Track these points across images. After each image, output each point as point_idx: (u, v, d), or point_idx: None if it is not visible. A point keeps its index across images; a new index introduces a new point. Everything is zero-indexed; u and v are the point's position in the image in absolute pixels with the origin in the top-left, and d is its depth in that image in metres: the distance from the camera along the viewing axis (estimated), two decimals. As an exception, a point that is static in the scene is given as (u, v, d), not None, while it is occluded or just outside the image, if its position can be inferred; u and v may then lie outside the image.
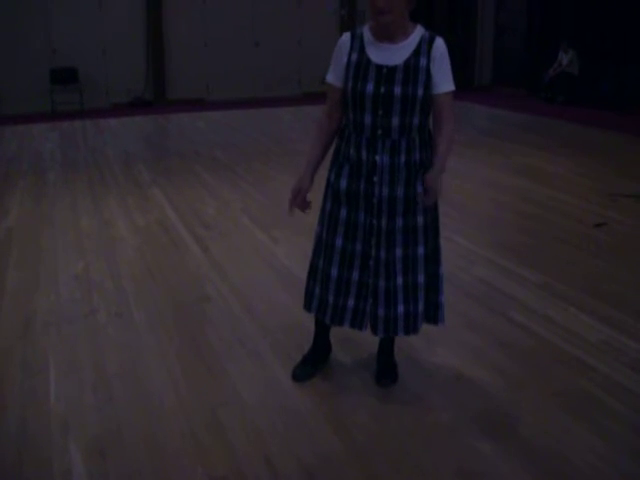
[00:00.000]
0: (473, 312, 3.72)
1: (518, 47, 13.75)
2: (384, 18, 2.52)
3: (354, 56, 2.63)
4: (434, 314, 2.88)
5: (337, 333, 3.24)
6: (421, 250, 2.74)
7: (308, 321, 3.54)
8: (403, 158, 2.63)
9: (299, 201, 2.83)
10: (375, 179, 2.65)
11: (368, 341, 3.10)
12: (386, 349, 3.06)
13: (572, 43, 11.81)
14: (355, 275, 2.75)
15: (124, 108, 12.20)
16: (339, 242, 2.74)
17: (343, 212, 2.72)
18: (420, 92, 2.57)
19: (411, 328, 2.83)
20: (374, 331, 2.84)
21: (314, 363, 3.10)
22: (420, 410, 2.83)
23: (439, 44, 2.60)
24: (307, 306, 2.95)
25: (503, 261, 4.46)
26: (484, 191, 6.17)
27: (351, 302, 2.78)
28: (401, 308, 2.77)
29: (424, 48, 2.58)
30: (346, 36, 2.70)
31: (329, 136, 2.80)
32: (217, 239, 4.99)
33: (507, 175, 6.90)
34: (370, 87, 2.57)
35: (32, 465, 2.50)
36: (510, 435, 2.65)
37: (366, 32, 2.65)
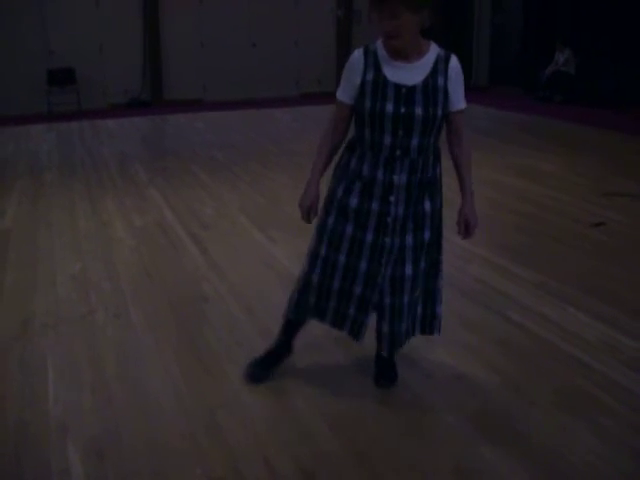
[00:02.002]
0: (470, 311, 3.72)
1: (515, 47, 13.76)
2: (393, 43, 2.47)
3: (369, 75, 2.55)
4: (430, 324, 2.90)
5: (335, 333, 3.25)
6: (423, 265, 2.75)
7: (307, 322, 3.55)
8: (418, 177, 2.63)
9: (312, 215, 2.79)
10: (392, 199, 2.61)
11: (366, 341, 3.10)
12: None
13: (568, 42, 11.82)
14: (358, 290, 2.73)
15: (121, 109, 12.19)
16: (342, 258, 2.70)
17: (349, 229, 2.68)
18: (440, 112, 2.56)
19: (408, 339, 2.92)
20: (380, 349, 2.91)
21: (273, 365, 3.08)
22: (418, 410, 2.83)
23: (455, 63, 2.58)
24: (292, 313, 2.93)
25: (500, 260, 4.47)
26: (480, 190, 6.12)
27: (352, 311, 2.78)
28: (404, 325, 2.81)
29: (441, 67, 2.55)
30: (359, 53, 2.59)
31: (334, 149, 2.77)
32: (215, 239, 4.99)
33: (504, 174, 6.91)
34: (390, 107, 2.51)
35: (30, 466, 2.50)
36: (508, 434, 2.66)
37: (380, 48, 2.56)
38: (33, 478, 2.45)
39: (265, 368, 3.05)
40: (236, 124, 10.72)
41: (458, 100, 2.63)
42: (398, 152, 2.58)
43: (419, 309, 2.85)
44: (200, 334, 3.51)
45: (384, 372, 3.04)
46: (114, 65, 12.24)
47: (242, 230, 5.23)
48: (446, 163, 2.75)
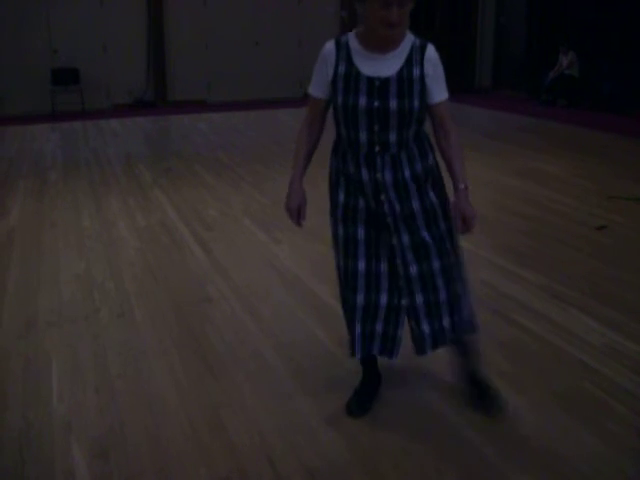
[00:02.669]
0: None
1: (518, 50, 13.76)
2: (394, 32, 2.39)
3: (341, 68, 2.46)
4: (471, 322, 2.75)
5: (339, 334, 3.25)
6: (453, 257, 2.63)
7: (311, 322, 3.55)
8: (407, 172, 2.52)
9: (302, 217, 2.71)
10: (382, 197, 2.52)
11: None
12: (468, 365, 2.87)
13: (572, 45, 11.80)
14: (383, 299, 2.61)
15: (125, 109, 12.21)
16: (362, 265, 2.57)
17: (361, 232, 2.57)
18: (416, 104, 2.44)
19: (457, 335, 2.72)
20: (421, 351, 2.70)
21: (369, 396, 2.89)
22: (422, 412, 2.83)
23: (431, 53, 2.46)
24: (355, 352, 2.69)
25: (504, 263, 4.46)
26: (485, 193, 6.17)
27: (379, 327, 2.64)
28: (447, 321, 2.65)
29: (416, 57, 2.45)
30: (330, 45, 2.51)
31: (311, 148, 2.68)
32: (219, 240, 4.99)
33: (508, 177, 6.91)
34: (363, 101, 2.42)
35: (34, 466, 2.50)
36: (512, 437, 2.65)
37: (352, 41, 2.49)
38: (37, 478, 2.45)
39: (364, 401, 2.86)
40: (239, 125, 10.73)
41: (438, 91, 2.49)
42: (377, 148, 2.48)
43: (466, 300, 2.69)
44: (204, 334, 3.51)
45: (482, 393, 2.84)
46: (118, 65, 12.26)
47: (246, 231, 5.23)
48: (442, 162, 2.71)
